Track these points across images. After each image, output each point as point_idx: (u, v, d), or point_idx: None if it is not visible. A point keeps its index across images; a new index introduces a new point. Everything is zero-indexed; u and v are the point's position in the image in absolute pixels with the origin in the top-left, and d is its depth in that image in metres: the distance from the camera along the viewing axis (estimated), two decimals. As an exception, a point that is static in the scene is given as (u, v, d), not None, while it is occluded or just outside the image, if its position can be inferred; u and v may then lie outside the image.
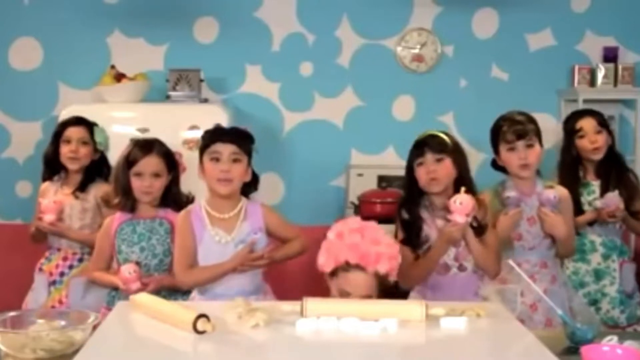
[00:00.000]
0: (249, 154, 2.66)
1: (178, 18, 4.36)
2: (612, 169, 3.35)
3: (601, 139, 3.33)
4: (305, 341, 1.93)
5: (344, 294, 2.28)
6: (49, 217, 3.14)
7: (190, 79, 4.10)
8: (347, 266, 2.28)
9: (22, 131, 4.41)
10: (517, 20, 4.40)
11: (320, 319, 1.98)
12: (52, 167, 3.35)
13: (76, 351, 1.83)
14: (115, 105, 3.97)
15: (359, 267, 2.27)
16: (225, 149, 2.59)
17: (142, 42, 4.38)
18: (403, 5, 4.41)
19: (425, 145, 2.74)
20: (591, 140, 3.33)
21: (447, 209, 2.60)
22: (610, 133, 3.39)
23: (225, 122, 3.87)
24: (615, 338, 2.05)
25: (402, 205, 2.79)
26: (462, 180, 2.70)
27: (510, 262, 2.54)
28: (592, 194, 3.33)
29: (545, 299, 2.41)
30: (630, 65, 4.31)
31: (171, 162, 2.93)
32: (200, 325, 1.88)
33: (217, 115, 3.89)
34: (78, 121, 3.36)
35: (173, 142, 3.80)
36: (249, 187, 2.71)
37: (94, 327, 1.98)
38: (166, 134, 3.81)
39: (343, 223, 2.37)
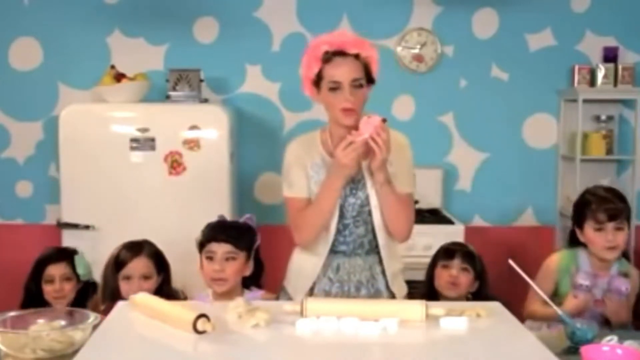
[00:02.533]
0: (249, 247, 2.61)
1: (178, 18, 4.36)
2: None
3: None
4: (305, 341, 1.93)
5: (336, 85, 2.34)
6: None
7: (190, 79, 4.09)
8: (327, 55, 2.36)
9: (22, 131, 4.41)
10: (517, 20, 4.40)
11: (320, 319, 1.98)
12: (36, 302, 3.05)
13: (76, 351, 1.83)
14: (115, 105, 3.97)
15: (340, 53, 2.35)
16: (219, 249, 2.57)
17: (142, 42, 4.37)
18: (403, 5, 4.40)
19: (456, 252, 2.80)
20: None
21: None
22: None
23: (225, 122, 3.88)
24: (615, 338, 2.05)
25: None
26: (477, 297, 2.74)
27: (510, 262, 2.54)
28: None
29: (545, 298, 2.41)
30: (630, 65, 4.31)
31: (161, 262, 2.86)
32: (200, 325, 1.88)
33: (217, 115, 3.89)
34: (58, 257, 3.14)
35: (173, 142, 3.83)
36: (252, 280, 2.66)
37: (94, 327, 1.98)
38: (166, 134, 3.84)
39: (314, 39, 2.48)
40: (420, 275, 3.38)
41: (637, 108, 4.28)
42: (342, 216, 2.47)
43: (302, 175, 2.49)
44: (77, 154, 3.84)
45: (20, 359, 1.94)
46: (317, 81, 2.40)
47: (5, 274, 4.39)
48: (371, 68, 2.40)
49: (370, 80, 2.42)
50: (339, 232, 2.48)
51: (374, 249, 2.52)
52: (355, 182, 2.45)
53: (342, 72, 2.35)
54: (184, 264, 3.85)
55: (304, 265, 2.54)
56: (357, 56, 2.35)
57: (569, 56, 4.40)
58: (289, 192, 2.53)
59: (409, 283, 2.72)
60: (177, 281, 3.74)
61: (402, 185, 2.47)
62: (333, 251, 2.50)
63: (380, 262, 2.53)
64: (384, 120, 2.30)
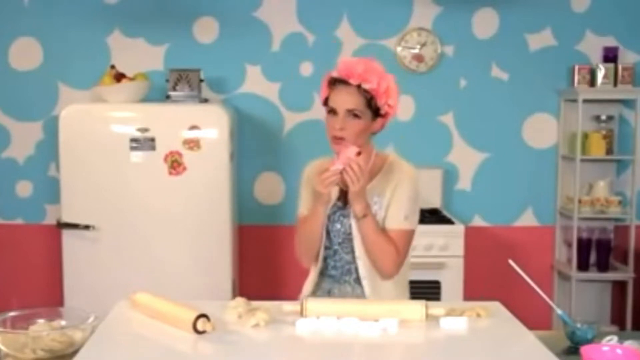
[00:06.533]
0: None
1: (178, 18, 4.36)
2: None
3: None
4: (305, 341, 1.93)
5: (334, 112, 2.34)
6: None
7: (190, 79, 4.09)
8: (332, 81, 2.37)
9: (22, 131, 4.41)
10: (517, 20, 4.40)
11: (320, 319, 1.98)
12: None
13: (76, 351, 1.84)
14: (115, 105, 3.97)
15: (342, 81, 2.34)
16: None
17: (142, 42, 4.37)
18: (403, 5, 4.40)
19: None
20: None
21: None
22: None
23: (225, 122, 3.88)
24: (615, 338, 2.05)
25: None
26: None
27: (510, 262, 2.54)
28: None
29: (545, 298, 2.41)
30: (630, 65, 4.31)
31: None
32: (200, 325, 1.89)
33: (217, 115, 3.89)
34: None
35: (173, 142, 3.83)
36: None
37: (94, 327, 1.98)
38: (166, 134, 3.83)
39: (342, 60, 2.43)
40: (420, 275, 3.38)
41: (637, 108, 4.28)
42: (330, 241, 2.46)
43: (308, 194, 2.49)
44: (77, 154, 3.84)
45: (20, 359, 1.94)
46: (326, 102, 2.41)
47: (5, 274, 4.40)
48: (376, 101, 2.37)
49: (376, 112, 2.39)
50: (330, 256, 2.47)
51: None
52: (343, 209, 2.44)
53: (340, 100, 2.35)
54: (184, 263, 3.87)
55: (307, 280, 2.55)
56: (358, 86, 2.34)
57: (569, 56, 4.40)
58: (299, 209, 2.54)
59: (409, 283, 2.70)
60: (176, 282, 3.74)
61: (392, 220, 2.40)
62: (324, 274, 2.50)
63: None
64: (359, 153, 2.27)
